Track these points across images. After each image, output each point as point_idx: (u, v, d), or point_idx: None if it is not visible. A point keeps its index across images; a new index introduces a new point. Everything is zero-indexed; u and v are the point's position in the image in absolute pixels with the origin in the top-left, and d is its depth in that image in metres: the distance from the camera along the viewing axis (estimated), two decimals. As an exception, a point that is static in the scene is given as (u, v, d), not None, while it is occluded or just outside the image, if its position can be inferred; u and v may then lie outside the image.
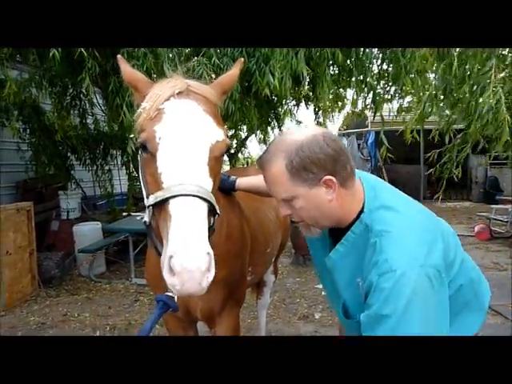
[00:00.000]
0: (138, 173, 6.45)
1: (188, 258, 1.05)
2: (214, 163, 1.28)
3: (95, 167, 6.53)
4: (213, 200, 1.22)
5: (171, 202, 1.15)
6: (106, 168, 6.69)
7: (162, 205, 1.19)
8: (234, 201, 1.97)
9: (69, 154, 6.42)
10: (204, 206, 1.17)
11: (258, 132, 6.86)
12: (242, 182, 1.87)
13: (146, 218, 1.31)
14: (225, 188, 1.83)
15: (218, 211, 1.29)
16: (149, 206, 1.26)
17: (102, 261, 5.76)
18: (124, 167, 6.73)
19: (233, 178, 1.89)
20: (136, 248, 5.56)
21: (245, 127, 6.97)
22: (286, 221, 2.74)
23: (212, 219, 1.31)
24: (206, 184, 1.22)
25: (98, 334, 3.87)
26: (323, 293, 4.89)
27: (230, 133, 7.04)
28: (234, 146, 9.12)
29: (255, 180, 1.81)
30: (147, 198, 1.29)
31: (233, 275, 1.78)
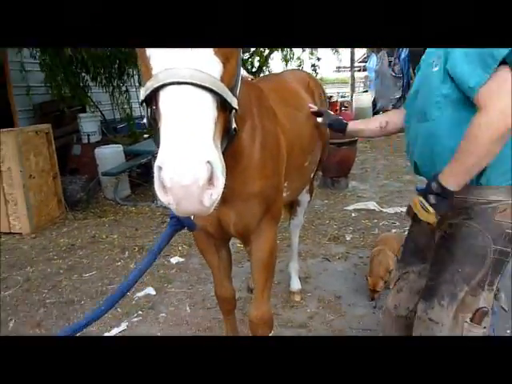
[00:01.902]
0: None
1: (180, 169, 0.80)
2: None
3: (111, 88, 6.21)
4: (221, 89, 0.91)
5: (161, 94, 0.88)
6: (123, 88, 6.36)
7: (155, 99, 0.91)
8: (267, 105, 1.68)
9: (83, 74, 6.09)
10: (205, 97, 0.87)
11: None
12: (352, 124, 1.95)
13: (145, 119, 1.04)
14: (336, 129, 1.95)
15: (235, 106, 0.99)
16: (142, 103, 0.99)
17: (127, 184, 5.69)
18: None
19: (344, 121, 1.97)
20: (159, 171, 5.42)
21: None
22: (326, 132, 2.44)
23: (229, 117, 1.01)
24: (210, 66, 0.90)
25: (126, 254, 3.87)
26: (353, 214, 4.73)
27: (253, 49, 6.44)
28: (257, 63, 8.53)
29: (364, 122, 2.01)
30: None
31: (269, 188, 1.55)
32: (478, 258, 1.47)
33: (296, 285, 3.03)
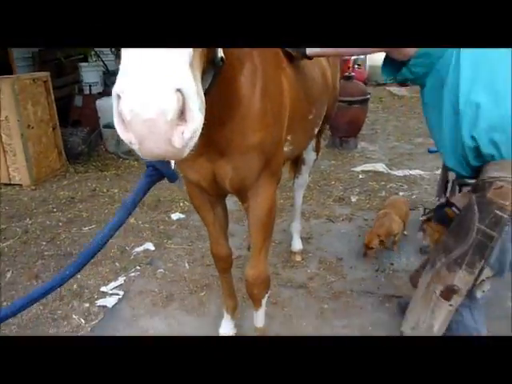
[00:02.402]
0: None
1: (142, 98, 0.64)
2: None
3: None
4: None
5: None
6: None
7: None
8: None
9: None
10: None
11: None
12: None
13: None
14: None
15: None
16: None
17: (129, 138, 5.56)
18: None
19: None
20: (162, 125, 5.27)
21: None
22: (335, 85, 2.25)
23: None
24: None
25: (126, 209, 3.80)
26: (360, 176, 4.59)
27: None
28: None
29: None
30: None
31: (269, 140, 1.42)
32: (461, 232, 1.43)
33: (297, 245, 2.95)
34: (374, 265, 2.88)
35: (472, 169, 1.47)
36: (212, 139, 1.31)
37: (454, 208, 1.64)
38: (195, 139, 0.73)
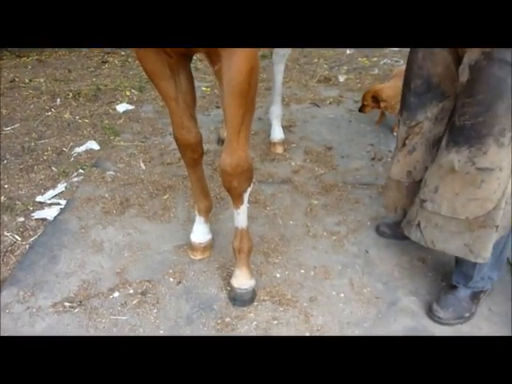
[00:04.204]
0: None
1: None
2: None
3: None
4: None
5: None
6: None
7: None
8: None
9: None
10: None
11: None
12: None
13: None
14: None
15: None
16: None
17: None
18: None
19: None
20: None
21: None
22: None
23: None
24: None
25: (58, 102, 3.33)
26: (348, 51, 4.23)
27: None
28: None
29: None
30: None
31: None
32: None
33: (278, 134, 2.69)
34: (369, 153, 2.69)
35: None
36: None
37: None
38: None
